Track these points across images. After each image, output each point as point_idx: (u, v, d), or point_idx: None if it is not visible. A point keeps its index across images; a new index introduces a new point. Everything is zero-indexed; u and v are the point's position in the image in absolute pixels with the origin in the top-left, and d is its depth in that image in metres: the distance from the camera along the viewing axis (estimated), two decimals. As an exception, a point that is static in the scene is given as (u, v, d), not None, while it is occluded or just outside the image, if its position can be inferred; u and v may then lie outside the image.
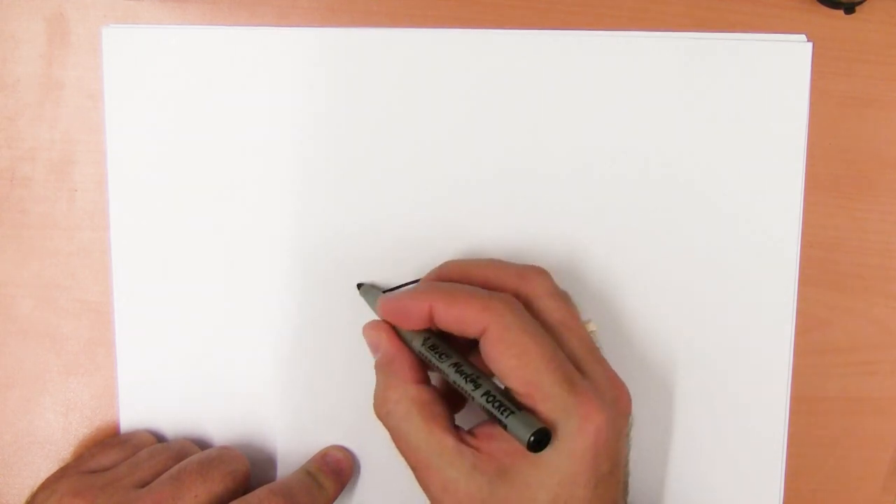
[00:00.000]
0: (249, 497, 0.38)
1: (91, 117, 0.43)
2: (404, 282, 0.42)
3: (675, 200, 0.43)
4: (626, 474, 0.38)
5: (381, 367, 0.39)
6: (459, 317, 0.36)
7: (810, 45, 0.43)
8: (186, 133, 0.42)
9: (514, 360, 0.35)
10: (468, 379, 0.36)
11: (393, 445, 0.38)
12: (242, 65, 0.42)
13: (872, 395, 0.45)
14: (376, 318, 0.40)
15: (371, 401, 0.39)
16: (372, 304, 0.41)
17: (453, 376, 0.36)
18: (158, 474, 0.39)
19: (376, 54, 0.42)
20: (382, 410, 0.38)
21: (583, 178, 0.43)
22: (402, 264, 0.43)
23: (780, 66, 0.43)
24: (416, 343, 0.38)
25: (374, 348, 0.40)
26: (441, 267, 0.40)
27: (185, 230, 0.43)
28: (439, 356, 0.37)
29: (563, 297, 0.39)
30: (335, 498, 0.42)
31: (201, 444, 0.43)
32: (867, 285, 0.45)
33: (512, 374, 0.35)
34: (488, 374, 0.37)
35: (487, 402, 0.35)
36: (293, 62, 0.42)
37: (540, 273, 0.39)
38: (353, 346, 0.43)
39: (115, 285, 0.43)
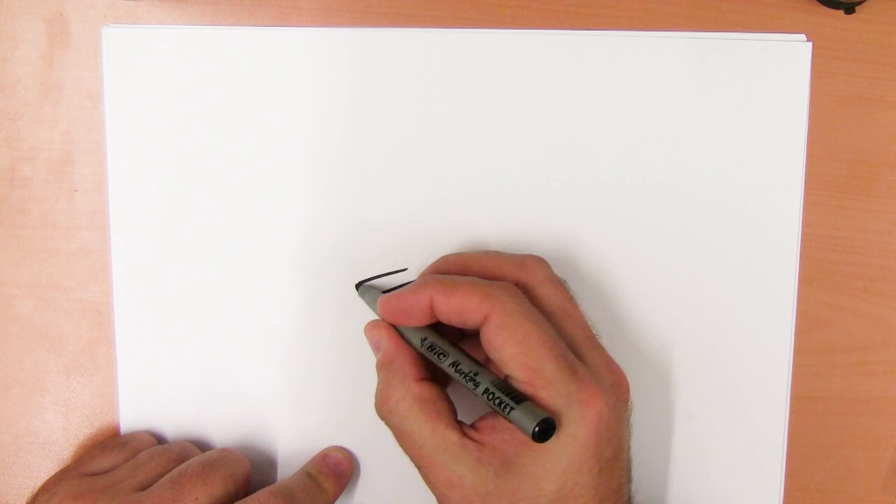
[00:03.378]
0: (250, 499, 0.38)
1: (91, 117, 0.43)
2: (400, 281, 0.42)
3: (675, 200, 0.43)
4: (629, 460, 0.38)
5: (383, 366, 0.39)
6: (460, 307, 0.36)
7: (810, 45, 0.43)
8: (186, 133, 0.42)
9: (515, 347, 0.35)
10: (467, 377, 0.36)
11: (396, 444, 0.38)
12: (242, 65, 0.42)
13: (872, 395, 0.45)
14: (377, 317, 0.40)
15: (372, 400, 0.38)
16: (371, 303, 0.41)
17: (453, 375, 0.37)
18: (159, 476, 0.39)
19: (376, 54, 0.42)
20: (385, 409, 0.38)
21: (582, 179, 0.43)
22: (404, 264, 0.43)
23: (780, 66, 0.43)
24: (415, 343, 0.38)
25: (376, 347, 0.40)
26: (439, 261, 0.40)
27: (184, 230, 0.43)
28: (438, 356, 0.37)
29: (562, 284, 0.39)
30: (335, 499, 0.42)
31: (202, 446, 0.43)
32: (867, 285, 0.45)
33: (513, 361, 0.35)
34: (487, 365, 0.37)
35: (489, 399, 0.35)
36: (293, 62, 0.42)
37: (538, 261, 0.39)
38: (353, 347, 0.43)
39: (115, 285, 0.43)
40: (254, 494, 0.39)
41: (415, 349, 0.39)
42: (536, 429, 0.33)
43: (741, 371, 0.44)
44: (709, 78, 0.43)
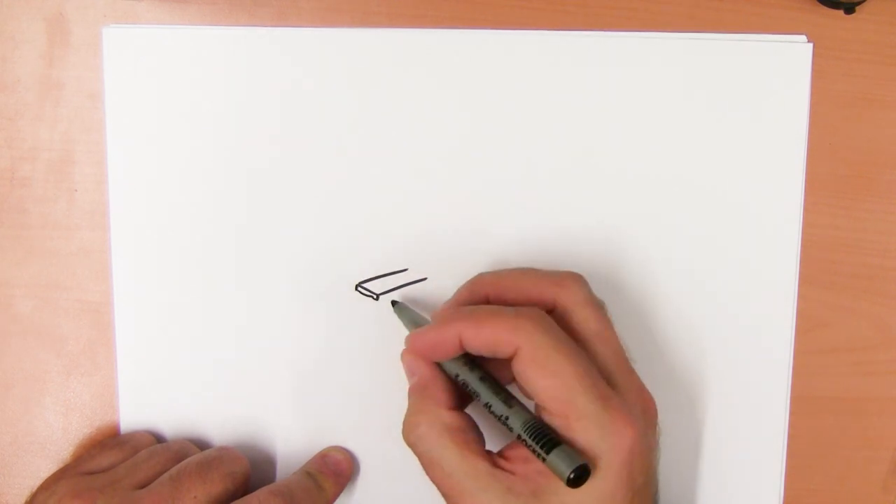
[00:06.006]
0: (249, 498, 0.38)
1: (91, 117, 0.43)
2: (404, 279, 0.42)
3: (674, 200, 0.43)
4: (657, 483, 0.38)
5: (415, 392, 0.38)
6: (489, 340, 0.36)
7: (810, 45, 0.43)
8: (186, 133, 0.42)
9: (547, 380, 0.35)
10: (500, 419, 0.36)
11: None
12: (242, 65, 0.42)
13: (872, 395, 0.45)
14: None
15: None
16: (406, 324, 0.41)
17: (487, 414, 0.37)
18: (158, 475, 0.39)
19: (376, 54, 0.42)
20: (413, 436, 0.37)
21: (580, 179, 0.43)
22: (405, 266, 0.43)
23: (780, 66, 0.43)
24: (451, 375, 0.38)
25: (411, 373, 0.39)
26: (473, 281, 0.40)
27: (184, 230, 0.43)
28: (472, 394, 0.37)
29: (600, 306, 0.38)
30: (335, 499, 0.42)
31: (201, 445, 0.42)
32: (867, 285, 0.45)
33: (545, 394, 0.35)
34: (520, 392, 0.37)
35: (522, 441, 0.35)
36: (293, 62, 0.42)
37: (577, 280, 0.39)
38: (353, 347, 0.43)
39: (115, 285, 0.43)
40: (253, 493, 0.39)
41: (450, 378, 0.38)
42: (571, 475, 0.33)
43: (741, 371, 0.44)
44: (709, 79, 0.43)
